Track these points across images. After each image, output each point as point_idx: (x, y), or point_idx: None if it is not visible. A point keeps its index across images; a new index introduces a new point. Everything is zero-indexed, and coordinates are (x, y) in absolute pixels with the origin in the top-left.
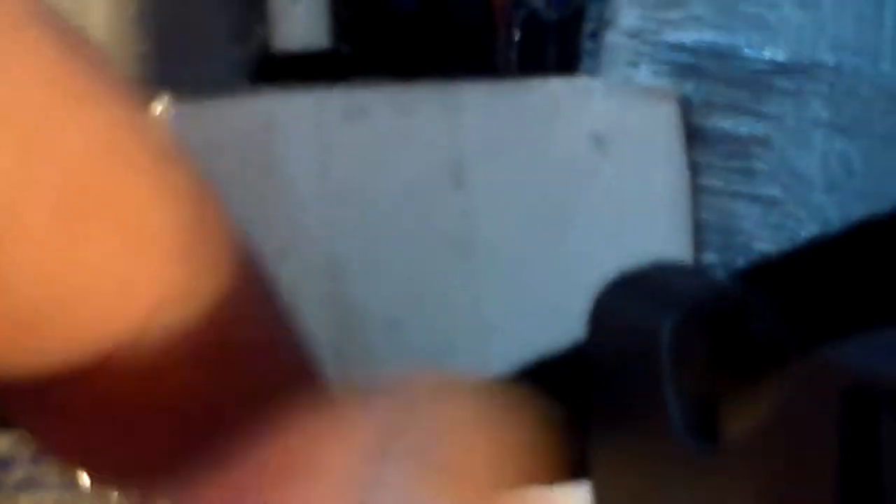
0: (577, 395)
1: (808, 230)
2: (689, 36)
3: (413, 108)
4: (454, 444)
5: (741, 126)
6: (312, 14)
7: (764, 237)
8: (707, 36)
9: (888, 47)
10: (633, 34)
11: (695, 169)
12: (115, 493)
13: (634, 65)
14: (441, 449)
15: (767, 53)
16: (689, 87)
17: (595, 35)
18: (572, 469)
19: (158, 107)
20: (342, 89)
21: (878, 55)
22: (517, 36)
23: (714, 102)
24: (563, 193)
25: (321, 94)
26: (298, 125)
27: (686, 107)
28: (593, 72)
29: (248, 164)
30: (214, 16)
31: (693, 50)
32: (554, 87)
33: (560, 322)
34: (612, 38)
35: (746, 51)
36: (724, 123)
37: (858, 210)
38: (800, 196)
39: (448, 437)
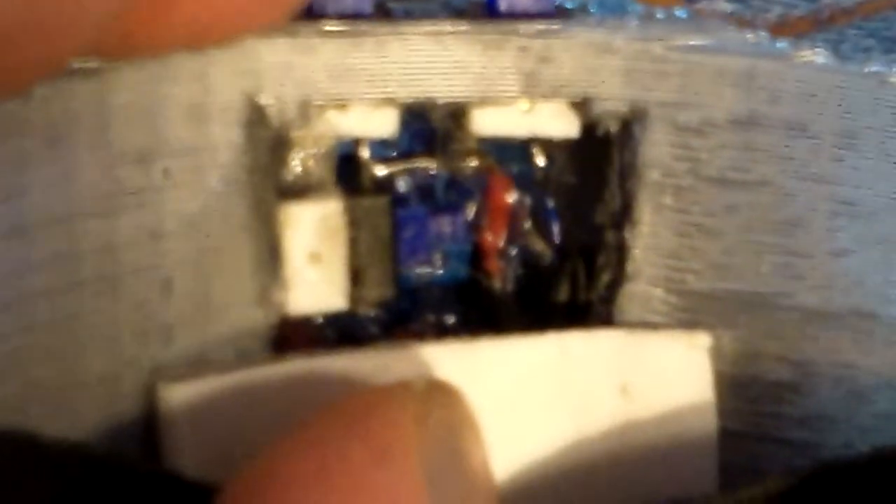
0: None
1: None
2: (715, 285)
3: (431, 367)
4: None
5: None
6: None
7: None
8: (734, 285)
9: None
10: (656, 283)
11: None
12: None
13: (659, 313)
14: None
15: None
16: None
17: (613, 283)
18: None
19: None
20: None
21: None
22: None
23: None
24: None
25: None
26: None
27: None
28: (607, 320)
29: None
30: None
31: (721, 299)
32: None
33: None
34: (632, 286)
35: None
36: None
37: None
38: None
39: (463, 429)
